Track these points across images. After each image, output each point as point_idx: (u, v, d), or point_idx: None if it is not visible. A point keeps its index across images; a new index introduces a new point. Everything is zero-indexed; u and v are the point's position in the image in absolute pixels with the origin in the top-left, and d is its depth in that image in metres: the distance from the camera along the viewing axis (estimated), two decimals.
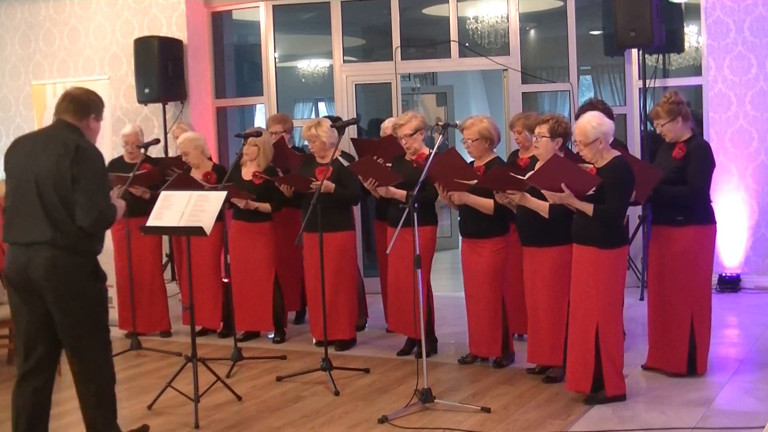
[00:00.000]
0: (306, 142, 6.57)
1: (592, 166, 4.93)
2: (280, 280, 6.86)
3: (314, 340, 6.64)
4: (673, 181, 5.26)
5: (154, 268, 7.16)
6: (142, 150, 6.74)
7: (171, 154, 8.52)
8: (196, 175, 6.81)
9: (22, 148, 4.22)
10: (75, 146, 4.03)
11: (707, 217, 5.39)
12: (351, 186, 6.26)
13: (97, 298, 4.16)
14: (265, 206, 6.61)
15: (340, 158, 6.23)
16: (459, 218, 5.94)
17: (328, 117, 7.18)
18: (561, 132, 5.25)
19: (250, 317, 6.76)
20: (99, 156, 4.15)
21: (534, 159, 5.68)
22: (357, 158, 6.68)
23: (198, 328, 6.33)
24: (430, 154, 5.96)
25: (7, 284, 4.16)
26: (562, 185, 4.80)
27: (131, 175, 6.46)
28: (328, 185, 6.15)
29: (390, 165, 6.25)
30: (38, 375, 4.20)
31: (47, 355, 4.20)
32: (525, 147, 6.06)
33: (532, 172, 5.12)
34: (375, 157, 6.43)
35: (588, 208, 4.81)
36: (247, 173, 6.70)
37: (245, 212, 6.65)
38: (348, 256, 6.42)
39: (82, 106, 4.21)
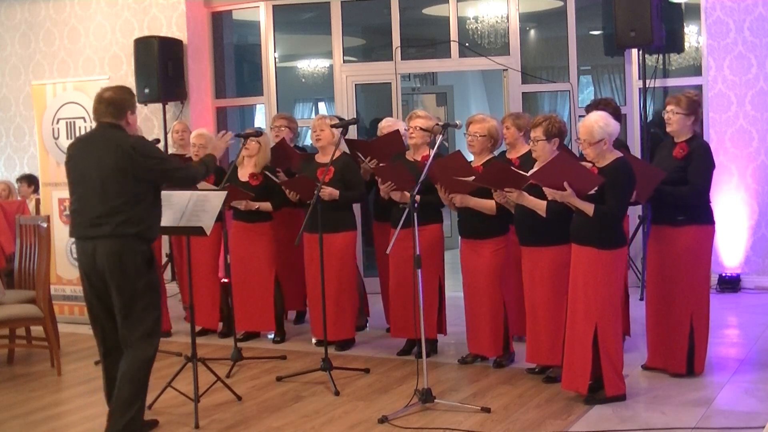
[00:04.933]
0: (309, 141, 6.56)
1: (592, 165, 4.93)
2: (280, 279, 6.86)
3: (314, 340, 6.64)
4: (674, 181, 5.26)
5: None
6: None
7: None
8: None
9: (79, 151, 4.68)
10: (130, 146, 4.52)
11: (707, 217, 5.41)
12: (356, 186, 6.27)
13: (153, 287, 4.62)
14: (266, 205, 6.61)
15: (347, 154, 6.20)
16: (458, 219, 5.93)
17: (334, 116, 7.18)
18: (556, 132, 5.24)
19: (251, 317, 6.75)
20: (150, 142, 4.84)
21: (524, 158, 5.71)
22: (352, 159, 6.65)
23: (197, 328, 6.33)
24: (431, 154, 5.97)
25: (81, 275, 4.64)
26: (564, 183, 4.81)
27: None
28: (333, 193, 6.14)
29: (383, 165, 6.24)
30: (117, 351, 4.63)
31: (117, 334, 4.64)
32: (512, 145, 6.04)
33: (534, 170, 5.12)
34: (368, 159, 6.43)
35: (588, 207, 4.81)
36: (243, 175, 6.68)
37: (245, 212, 6.64)
38: (350, 256, 6.41)
39: (118, 107, 4.64)
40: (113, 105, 4.63)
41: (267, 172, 6.58)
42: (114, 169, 4.49)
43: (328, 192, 6.13)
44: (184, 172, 4.77)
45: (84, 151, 4.64)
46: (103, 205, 4.49)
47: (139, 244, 4.53)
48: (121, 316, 4.53)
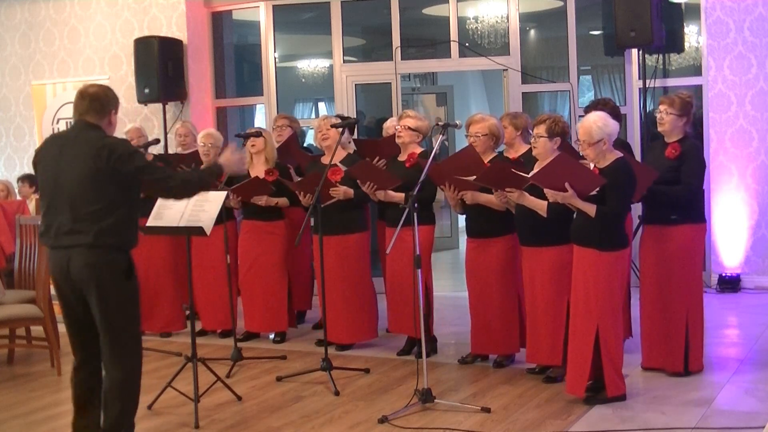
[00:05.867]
0: (309, 141, 6.55)
1: (592, 165, 4.93)
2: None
3: (316, 340, 6.65)
4: (667, 181, 5.30)
5: (171, 269, 7.14)
6: (143, 150, 6.75)
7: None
8: None
9: (49, 152, 4.34)
10: (109, 145, 4.18)
11: (700, 216, 5.50)
12: None
13: (129, 296, 4.32)
14: (284, 201, 6.57)
15: (339, 164, 6.21)
16: (466, 218, 5.92)
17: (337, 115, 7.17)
18: (559, 131, 5.26)
19: (262, 317, 6.74)
20: (128, 142, 4.39)
21: (522, 157, 5.73)
22: (361, 158, 6.67)
23: (197, 328, 6.32)
24: (425, 152, 5.98)
25: (54, 284, 4.38)
26: (566, 185, 4.81)
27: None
28: (348, 192, 6.14)
29: (356, 166, 6.23)
30: (93, 360, 4.39)
31: (98, 343, 4.40)
32: (510, 145, 6.03)
33: (535, 171, 5.12)
34: (377, 159, 6.43)
35: (590, 208, 4.81)
36: (259, 172, 6.60)
37: (257, 211, 6.61)
38: (365, 257, 6.41)
39: (102, 105, 4.33)
40: (98, 101, 4.31)
41: (281, 178, 6.55)
42: (93, 173, 4.15)
43: (343, 190, 6.11)
44: (176, 177, 4.36)
45: (59, 152, 4.28)
46: (79, 211, 4.17)
47: (118, 254, 4.24)
48: (101, 331, 4.28)
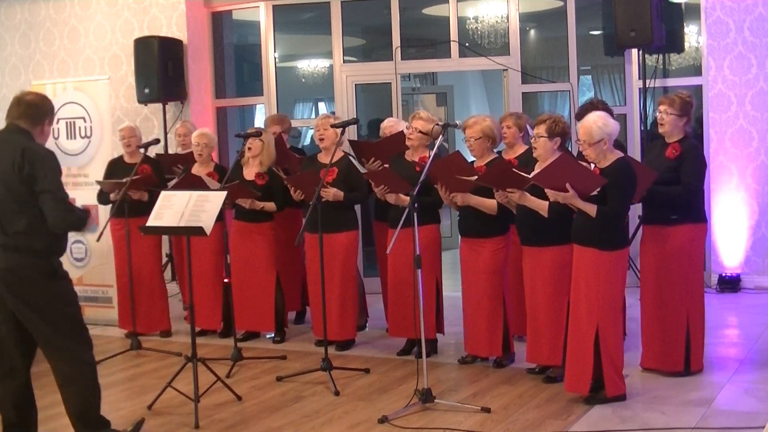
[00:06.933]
0: (309, 141, 6.55)
1: (594, 166, 4.93)
2: (281, 279, 6.86)
3: (315, 340, 6.65)
4: (666, 181, 5.30)
5: (154, 268, 7.16)
6: (142, 150, 6.75)
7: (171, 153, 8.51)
8: (199, 173, 6.81)
9: None
10: (28, 149, 4.13)
11: (700, 216, 5.50)
12: (360, 187, 6.26)
13: (59, 298, 4.21)
14: (270, 205, 6.59)
15: (350, 156, 6.22)
16: (459, 218, 5.93)
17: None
18: (559, 131, 5.26)
19: (251, 317, 6.75)
20: (53, 156, 4.24)
21: (520, 158, 5.73)
22: (357, 158, 6.67)
23: (197, 328, 6.31)
24: (431, 155, 5.98)
25: None
26: (567, 185, 4.80)
27: (127, 180, 6.49)
28: (338, 194, 6.14)
29: (387, 165, 6.24)
30: (14, 376, 4.29)
31: (19, 356, 4.28)
32: (510, 145, 6.03)
33: (536, 171, 5.12)
34: (372, 160, 6.44)
35: (591, 209, 4.81)
36: (248, 174, 6.67)
37: (246, 212, 6.63)
38: (352, 255, 6.42)
39: (38, 112, 4.32)
40: (34, 108, 4.29)
41: (274, 169, 6.58)
42: (10, 176, 4.08)
43: (333, 193, 6.12)
44: (71, 207, 4.23)
45: None
46: None
47: (35, 258, 4.12)
48: (36, 336, 4.18)
